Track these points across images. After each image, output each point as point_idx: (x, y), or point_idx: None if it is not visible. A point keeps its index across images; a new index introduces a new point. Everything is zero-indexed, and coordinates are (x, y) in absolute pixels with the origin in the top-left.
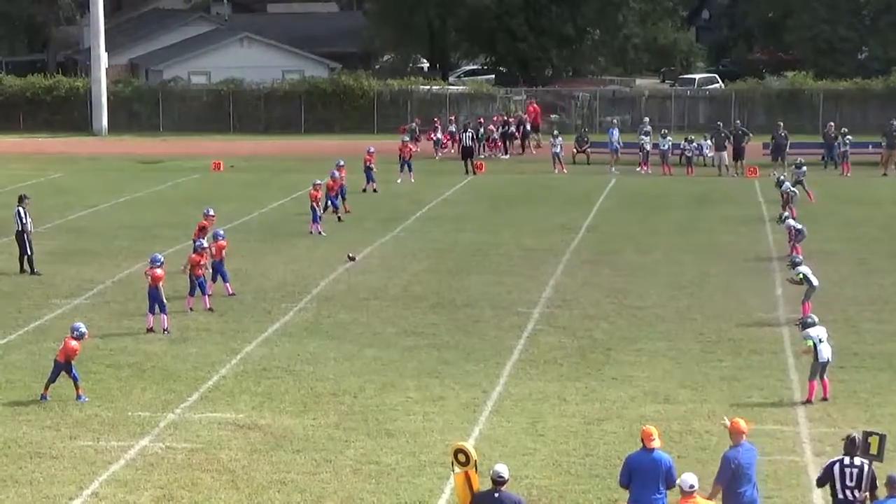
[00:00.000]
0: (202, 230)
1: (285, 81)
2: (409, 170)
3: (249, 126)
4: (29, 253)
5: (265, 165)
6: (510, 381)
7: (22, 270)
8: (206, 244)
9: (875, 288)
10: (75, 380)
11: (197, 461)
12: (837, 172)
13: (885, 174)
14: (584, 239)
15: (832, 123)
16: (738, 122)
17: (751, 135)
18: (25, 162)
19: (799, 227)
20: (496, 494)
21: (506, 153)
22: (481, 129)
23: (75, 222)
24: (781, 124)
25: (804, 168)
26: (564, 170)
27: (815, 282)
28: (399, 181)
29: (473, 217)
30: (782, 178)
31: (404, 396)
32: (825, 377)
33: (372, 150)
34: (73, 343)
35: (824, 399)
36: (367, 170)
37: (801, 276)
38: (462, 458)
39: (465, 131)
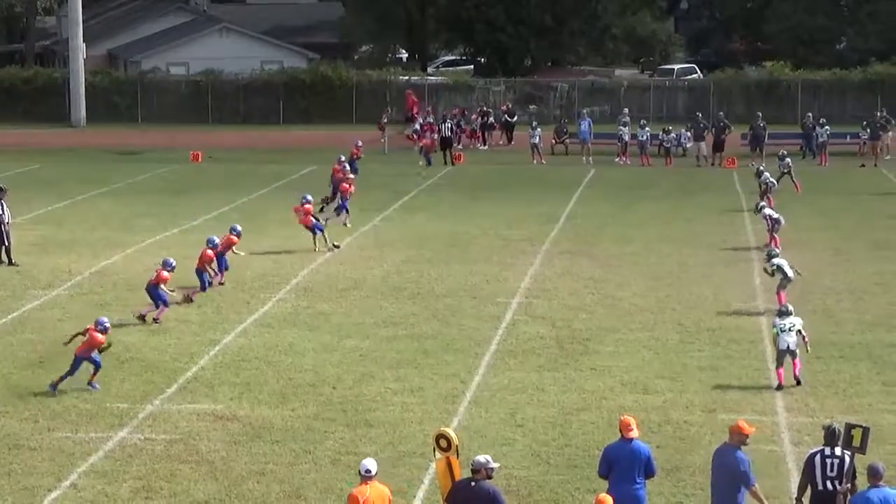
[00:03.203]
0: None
1: (264, 72)
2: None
3: (228, 117)
4: (7, 244)
5: (244, 156)
6: (489, 372)
7: None
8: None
9: (853, 278)
10: (97, 366)
11: (176, 452)
12: (816, 163)
13: (862, 165)
14: (562, 229)
15: (810, 114)
16: (721, 113)
17: (732, 127)
18: (3, 153)
19: (776, 216)
20: (473, 483)
21: (484, 144)
22: (462, 120)
23: (53, 213)
24: (760, 115)
25: (788, 160)
26: (543, 160)
27: (790, 273)
28: None
29: (452, 207)
30: (762, 168)
31: (383, 387)
32: (795, 360)
33: (360, 143)
34: (100, 336)
35: (795, 380)
36: (353, 162)
37: (774, 267)
38: (443, 443)
39: (445, 122)
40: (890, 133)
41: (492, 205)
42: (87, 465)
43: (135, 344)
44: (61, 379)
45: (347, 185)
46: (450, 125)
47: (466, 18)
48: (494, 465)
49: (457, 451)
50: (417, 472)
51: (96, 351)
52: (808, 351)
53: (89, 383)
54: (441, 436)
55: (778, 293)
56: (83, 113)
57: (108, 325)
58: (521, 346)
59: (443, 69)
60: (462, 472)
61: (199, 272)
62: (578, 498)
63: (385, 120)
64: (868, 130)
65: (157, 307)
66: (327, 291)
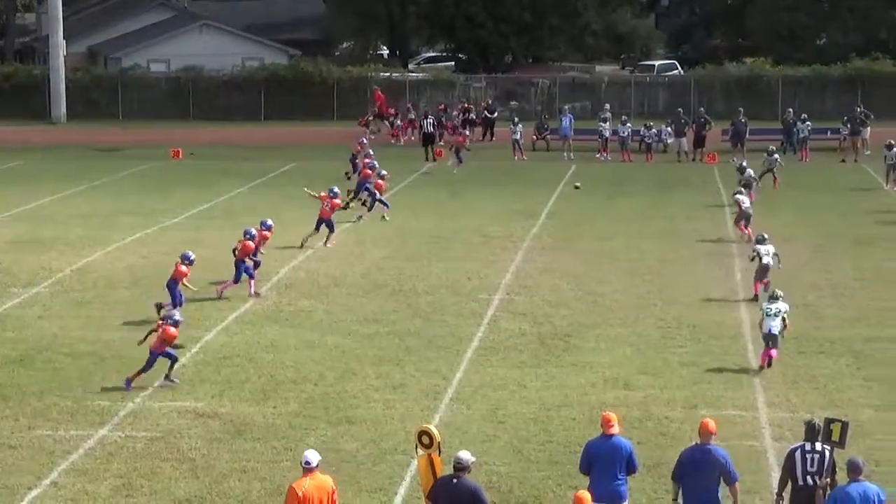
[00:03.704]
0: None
1: (245, 69)
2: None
3: (209, 113)
4: None
5: (225, 153)
6: (470, 368)
7: None
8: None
9: (834, 273)
10: (173, 360)
11: (156, 450)
12: (796, 158)
13: (843, 160)
14: (543, 225)
15: (791, 110)
16: (702, 109)
17: (713, 123)
18: None
19: (747, 204)
20: (455, 480)
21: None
22: (443, 116)
23: (34, 211)
24: (742, 110)
25: (776, 156)
26: (524, 156)
27: (766, 260)
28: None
29: (433, 204)
30: (744, 164)
31: (365, 384)
32: (773, 349)
33: (364, 140)
34: (172, 330)
35: (763, 366)
36: (354, 158)
37: (755, 252)
38: (426, 440)
39: (427, 118)
40: (869, 128)
41: (473, 201)
42: (68, 464)
43: (115, 342)
44: (138, 374)
45: (381, 182)
46: (432, 121)
47: (447, 15)
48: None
49: (439, 447)
50: (399, 468)
51: (170, 346)
52: (782, 337)
53: (167, 378)
54: (423, 432)
55: (755, 282)
56: (63, 110)
57: (179, 318)
58: (503, 343)
59: (424, 66)
60: (444, 469)
61: (239, 263)
62: (560, 494)
63: (370, 117)
64: (848, 126)
65: (175, 305)
66: (308, 288)
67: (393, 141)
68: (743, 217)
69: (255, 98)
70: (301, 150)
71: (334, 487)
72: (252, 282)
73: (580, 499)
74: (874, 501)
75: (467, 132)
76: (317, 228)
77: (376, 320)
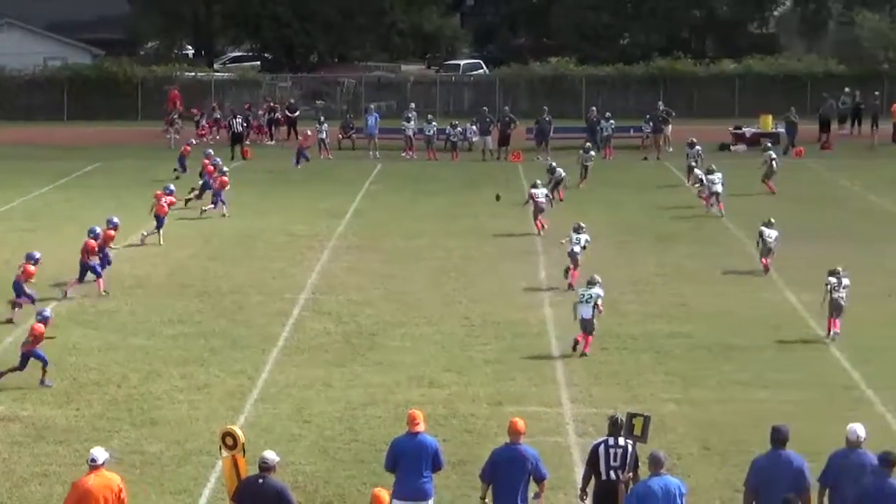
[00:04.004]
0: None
1: (47, 68)
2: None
3: (11, 113)
4: None
5: (28, 153)
6: (276, 368)
7: None
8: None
9: (637, 270)
10: (44, 363)
11: None
12: (600, 156)
13: (645, 158)
14: (349, 224)
15: (594, 108)
16: (507, 108)
17: (517, 121)
18: None
19: (541, 198)
20: (260, 480)
21: (272, 139)
22: (249, 116)
23: None
24: (546, 109)
25: (698, 147)
26: (330, 155)
27: (577, 249)
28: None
29: (240, 203)
30: (554, 164)
31: (169, 385)
32: (589, 335)
33: (193, 141)
34: (39, 326)
35: (578, 350)
36: (182, 158)
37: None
38: (230, 441)
39: (236, 117)
40: (671, 126)
41: (279, 200)
42: None
43: None
44: (10, 370)
45: (226, 179)
46: (240, 121)
47: (253, 15)
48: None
49: (243, 448)
50: (204, 470)
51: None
52: (598, 314)
53: (42, 382)
54: (227, 434)
55: (568, 271)
56: None
57: (48, 314)
58: (309, 342)
59: (230, 65)
60: (249, 470)
61: (84, 263)
62: (365, 493)
63: (174, 115)
64: (651, 124)
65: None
66: (112, 289)
67: (196, 141)
68: (539, 211)
69: (58, 98)
70: (105, 149)
71: (122, 486)
72: (100, 280)
73: (377, 496)
74: (675, 494)
75: (308, 132)
76: (160, 227)
77: (181, 321)
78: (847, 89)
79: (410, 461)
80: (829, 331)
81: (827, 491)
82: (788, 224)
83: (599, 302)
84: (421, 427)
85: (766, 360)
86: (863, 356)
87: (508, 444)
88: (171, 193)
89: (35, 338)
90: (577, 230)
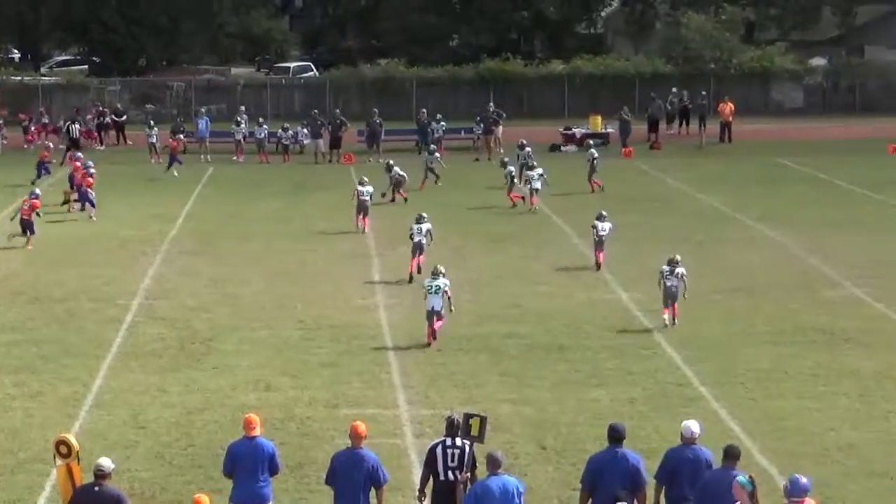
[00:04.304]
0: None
1: None
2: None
3: None
4: None
5: None
6: (110, 374)
7: None
8: None
9: (471, 271)
10: None
11: None
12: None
13: (477, 159)
14: (181, 228)
15: (425, 110)
16: (338, 110)
17: (348, 124)
18: None
19: (365, 196)
20: (96, 488)
21: (101, 144)
22: (79, 120)
23: None
24: (377, 111)
25: (528, 149)
26: (161, 159)
27: (422, 240)
28: None
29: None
30: (506, 159)
31: (2, 393)
32: (437, 320)
33: (51, 145)
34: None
35: (429, 343)
36: (42, 164)
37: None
38: (64, 449)
39: (75, 123)
40: (502, 127)
41: (111, 205)
42: None
43: None
44: None
45: (91, 180)
46: (77, 127)
47: (80, 18)
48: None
49: (77, 456)
50: (39, 478)
51: None
52: (451, 311)
53: None
54: (61, 442)
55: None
56: None
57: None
58: (143, 348)
59: (57, 69)
60: (84, 477)
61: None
62: None
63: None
64: (481, 125)
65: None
66: None
67: (26, 146)
68: (361, 209)
69: None
70: None
71: None
72: None
73: (197, 502)
74: (513, 494)
75: (181, 137)
76: (23, 231)
77: (13, 328)
78: (674, 89)
79: (247, 465)
80: (668, 318)
81: (664, 488)
82: (619, 224)
83: (448, 290)
84: (257, 431)
85: (601, 359)
86: (695, 354)
87: (349, 448)
88: (36, 198)
89: None
90: (419, 220)
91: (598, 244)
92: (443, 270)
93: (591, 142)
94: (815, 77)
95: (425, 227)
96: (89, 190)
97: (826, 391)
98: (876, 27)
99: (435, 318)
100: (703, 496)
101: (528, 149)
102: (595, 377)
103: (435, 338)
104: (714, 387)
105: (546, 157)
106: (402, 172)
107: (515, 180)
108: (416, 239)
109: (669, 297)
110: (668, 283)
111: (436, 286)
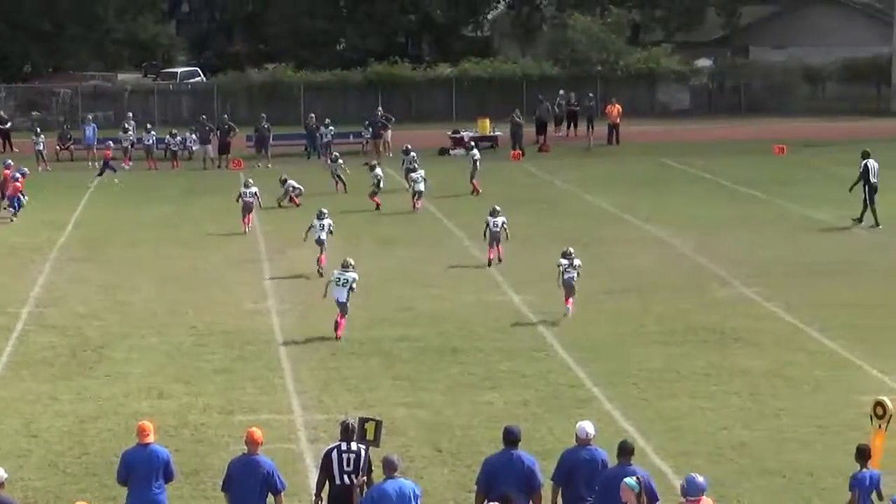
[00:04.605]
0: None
1: None
2: None
3: None
4: None
5: None
6: (1, 384)
7: None
8: None
9: (361, 275)
10: None
11: None
12: (321, 162)
13: (366, 164)
14: (71, 236)
15: (313, 115)
16: (226, 116)
17: (237, 129)
18: None
19: (247, 195)
20: None
21: None
22: None
23: None
24: (265, 116)
25: (413, 153)
26: (49, 167)
27: (322, 236)
28: None
29: None
30: (374, 162)
31: None
32: (343, 315)
33: None
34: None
35: (338, 336)
36: None
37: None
38: None
39: None
40: (391, 131)
41: None
42: None
43: None
44: None
45: (19, 185)
46: None
47: None
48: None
49: None
50: None
51: None
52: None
53: None
54: None
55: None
56: None
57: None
58: (34, 356)
59: None
60: None
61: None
62: None
63: None
64: (370, 129)
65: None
66: None
67: None
68: (246, 209)
69: None
70: None
71: None
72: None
73: None
74: (410, 497)
75: (111, 143)
76: None
77: None
78: (562, 91)
79: (142, 473)
80: (566, 309)
81: (560, 489)
82: (508, 226)
83: (354, 285)
84: (151, 438)
85: (493, 361)
86: (587, 355)
87: (245, 455)
88: None
89: None
90: (320, 216)
91: (493, 239)
92: (352, 263)
93: (473, 143)
94: (701, 78)
95: (327, 222)
96: (15, 196)
97: (718, 390)
98: (760, 28)
99: (341, 311)
100: (602, 494)
101: (412, 153)
102: (488, 379)
103: (339, 336)
104: (607, 387)
105: (435, 160)
106: (297, 185)
107: (381, 185)
108: (322, 236)
109: (568, 290)
110: (567, 276)
111: (344, 279)
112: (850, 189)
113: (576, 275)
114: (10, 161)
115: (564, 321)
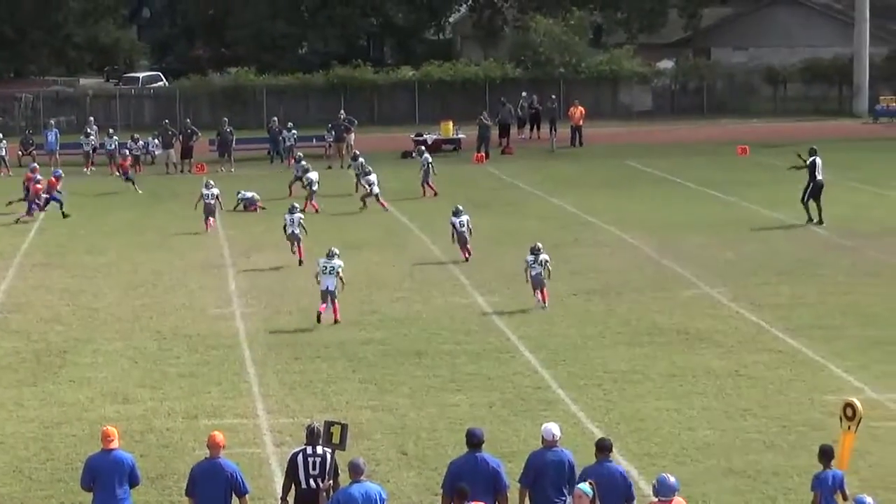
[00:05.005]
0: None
1: None
2: None
3: None
4: None
5: None
6: None
7: None
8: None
9: None
10: None
11: None
12: (284, 166)
13: (329, 167)
14: (34, 241)
15: (276, 118)
16: (188, 120)
17: (199, 133)
18: None
19: (209, 195)
20: None
21: None
22: None
23: None
24: (227, 120)
25: (304, 162)
26: (10, 173)
27: (295, 230)
28: None
29: None
30: (306, 164)
31: None
32: (334, 301)
33: None
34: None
35: (335, 319)
36: None
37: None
38: None
39: None
40: (353, 134)
41: None
42: None
43: None
44: None
45: (39, 187)
46: None
47: None
48: None
49: None
50: None
51: None
52: (342, 288)
53: None
54: None
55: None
56: None
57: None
58: None
59: None
60: None
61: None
62: None
63: None
64: (333, 133)
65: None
66: None
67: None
68: (208, 211)
69: None
70: None
71: None
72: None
73: None
74: (376, 500)
75: (127, 154)
76: None
77: None
78: (524, 93)
79: (106, 478)
80: (539, 302)
81: (527, 492)
82: (473, 228)
83: (340, 272)
84: (115, 443)
85: (459, 364)
86: (552, 357)
87: (207, 459)
88: None
89: None
90: (292, 211)
91: (461, 239)
92: (337, 252)
93: (423, 147)
94: (663, 79)
95: (336, 264)
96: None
97: (683, 391)
98: (721, 29)
99: (330, 299)
100: None
101: (360, 159)
102: (454, 382)
103: (337, 320)
104: (572, 389)
105: (398, 163)
106: (252, 195)
107: (315, 188)
108: (295, 231)
109: (537, 285)
110: (534, 273)
111: (330, 267)
112: (790, 168)
113: (542, 270)
114: (35, 165)
115: (529, 321)
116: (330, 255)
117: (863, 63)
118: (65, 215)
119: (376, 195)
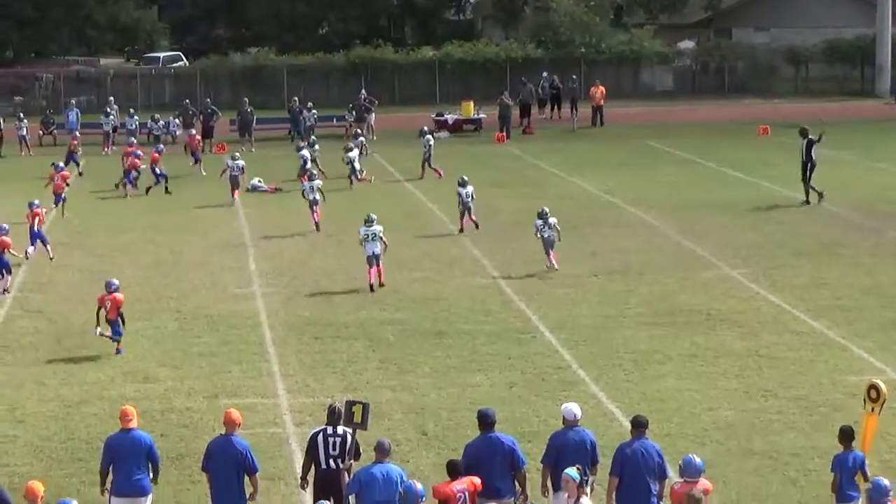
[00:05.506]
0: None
1: None
2: None
3: None
4: None
5: None
6: None
7: None
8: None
9: (348, 259)
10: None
11: None
12: (305, 145)
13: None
14: (55, 221)
15: (296, 98)
16: (209, 100)
17: (220, 113)
18: None
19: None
20: None
21: None
22: None
23: None
24: (247, 100)
25: (361, 138)
26: (31, 152)
27: (316, 196)
28: None
29: None
30: (351, 144)
31: None
32: (380, 265)
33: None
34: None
35: (374, 284)
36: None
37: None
38: None
39: None
40: (374, 114)
41: None
42: None
43: None
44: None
45: (138, 161)
46: None
47: None
48: None
49: None
50: None
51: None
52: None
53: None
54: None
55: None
56: None
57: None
58: (19, 341)
59: None
60: None
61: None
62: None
63: None
64: (353, 113)
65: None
66: None
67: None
68: (233, 183)
69: None
70: None
71: None
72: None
73: (30, 489)
74: (396, 482)
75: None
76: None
77: None
78: (545, 73)
79: (125, 458)
80: (552, 264)
81: (550, 472)
82: (493, 209)
83: (383, 236)
84: (133, 423)
85: (479, 344)
86: (573, 337)
87: (222, 435)
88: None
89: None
90: (311, 178)
91: (466, 209)
92: (375, 217)
93: (426, 128)
94: (685, 60)
95: (378, 230)
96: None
97: (703, 372)
98: (742, 9)
99: (376, 262)
100: (624, 468)
101: (361, 138)
102: (474, 362)
103: (382, 283)
104: (593, 370)
105: (417, 143)
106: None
107: (357, 165)
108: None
109: (548, 246)
110: (545, 235)
111: (372, 233)
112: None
113: (553, 233)
114: (60, 164)
115: (550, 301)
116: (369, 222)
117: (885, 43)
118: (167, 191)
119: (356, 171)
